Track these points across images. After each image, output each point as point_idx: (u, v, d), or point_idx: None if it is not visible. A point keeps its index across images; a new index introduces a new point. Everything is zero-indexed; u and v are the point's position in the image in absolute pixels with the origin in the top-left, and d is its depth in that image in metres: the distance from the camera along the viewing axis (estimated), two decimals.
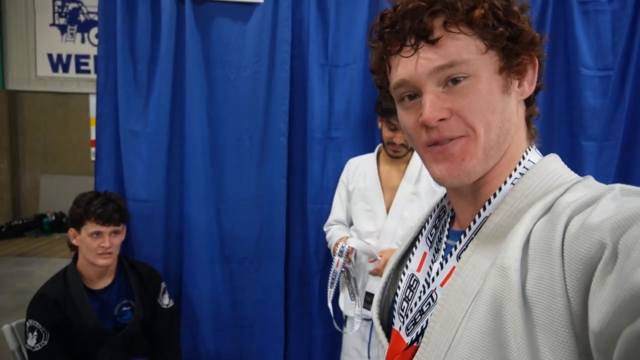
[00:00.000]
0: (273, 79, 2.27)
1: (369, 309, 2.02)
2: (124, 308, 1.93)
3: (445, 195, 0.78)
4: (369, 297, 2.01)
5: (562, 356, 0.47)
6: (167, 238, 2.31)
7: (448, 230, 0.73)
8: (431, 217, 0.79)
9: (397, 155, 2.00)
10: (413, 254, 0.78)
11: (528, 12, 0.63)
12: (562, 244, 0.49)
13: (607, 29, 2.16)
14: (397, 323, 0.73)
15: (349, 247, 1.91)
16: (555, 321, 0.48)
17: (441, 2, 0.59)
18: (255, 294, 2.35)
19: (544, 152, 0.68)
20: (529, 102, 0.67)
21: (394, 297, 0.77)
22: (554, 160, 0.64)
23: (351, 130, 2.31)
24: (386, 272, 0.82)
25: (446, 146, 0.61)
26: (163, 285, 2.06)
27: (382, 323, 0.80)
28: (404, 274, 0.77)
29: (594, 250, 0.46)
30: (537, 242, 0.53)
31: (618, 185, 0.53)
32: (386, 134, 1.99)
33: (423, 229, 0.79)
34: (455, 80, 0.59)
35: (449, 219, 0.74)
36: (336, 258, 1.92)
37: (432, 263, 0.71)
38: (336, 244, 1.97)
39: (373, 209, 2.03)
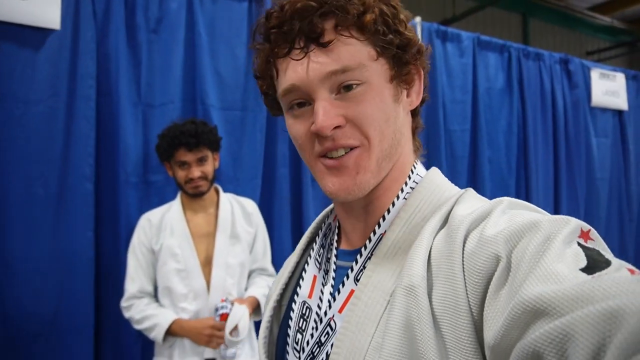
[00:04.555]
0: (74, 116, 1.95)
1: None
2: None
3: (331, 211, 0.74)
4: None
5: None
6: None
7: (336, 249, 0.68)
8: (318, 236, 0.73)
9: (201, 191, 1.83)
10: (303, 279, 0.70)
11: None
12: (463, 260, 0.50)
13: None
14: (291, 359, 0.66)
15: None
16: (463, 338, 0.47)
17: (331, 4, 0.56)
18: None
19: None
20: (414, 114, 0.67)
21: (287, 330, 0.68)
22: (438, 174, 0.66)
23: None
24: (270, 303, 0.73)
25: (341, 160, 0.58)
26: None
27: None
28: (295, 302, 0.69)
29: (490, 263, 0.47)
30: (438, 257, 0.53)
31: (506, 199, 0.56)
32: (179, 174, 1.83)
33: (311, 250, 0.73)
34: (348, 87, 0.57)
35: (335, 237, 0.70)
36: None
37: (323, 286, 0.65)
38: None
39: (186, 267, 1.80)
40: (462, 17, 5.83)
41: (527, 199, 3.29)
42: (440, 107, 2.92)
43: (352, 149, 0.58)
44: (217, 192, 1.98)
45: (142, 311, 1.78)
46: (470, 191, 0.62)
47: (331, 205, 0.74)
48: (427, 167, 2.73)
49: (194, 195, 1.85)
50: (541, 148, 3.42)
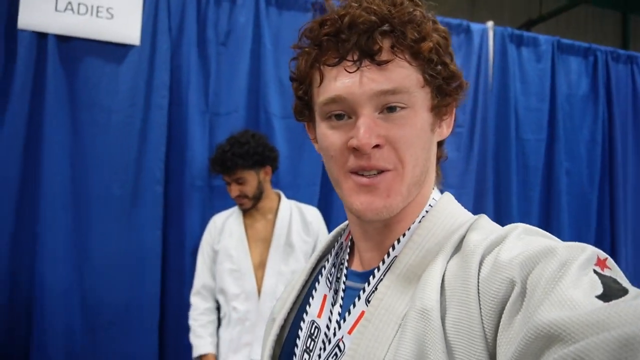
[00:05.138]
0: (148, 124, 2.14)
1: None
2: None
3: (344, 230, 0.74)
4: None
5: None
6: (11, 310, 1.92)
7: (347, 269, 0.67)
8: (330, 255, 0.73)
9: (244, 208, 1.95)
10: (313, 297, 0.69)
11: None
12: (478, 284, 0.49)
13: None
14: None
15: None
16: None
17: (393, 24, 0.56)
18: None
19: None
20: (439, 143, 0.67)
21: (293, 349, 0.67)
22: (451, 199, 0.65)
23: None
24: (277, 322, 0.72)
25: (373, 180, 0.58)
26: None
27: None
28: (304, 320, 0.68)
29: (505, 288, 0.46)
30: (452, 282, 0.53)
31: (521, 225, 0.55)
32: (227, 188, 1.96)
33: (323, 268, 0.72)
34: (392, 109, 0.57)
35: (346, 256, 0.69)
36: None
37: (332, 306, 0.65)
38: None
39: (239, 268, 1.90)
40: (549, 17, 5.47)
41: (612, 215, 3.02)
42: (512, 115, 2.77)
43: (384, 171, 0.58)
44: (279, 198, 2.05)
45: (195, 320, 1.96)
46: (484, 217, 0.62)
47: (344, 223, 0.75)
48: (497, 177, 2.59)
49: (241, 210, 1.98)
50: (632, 161, 3.11)
